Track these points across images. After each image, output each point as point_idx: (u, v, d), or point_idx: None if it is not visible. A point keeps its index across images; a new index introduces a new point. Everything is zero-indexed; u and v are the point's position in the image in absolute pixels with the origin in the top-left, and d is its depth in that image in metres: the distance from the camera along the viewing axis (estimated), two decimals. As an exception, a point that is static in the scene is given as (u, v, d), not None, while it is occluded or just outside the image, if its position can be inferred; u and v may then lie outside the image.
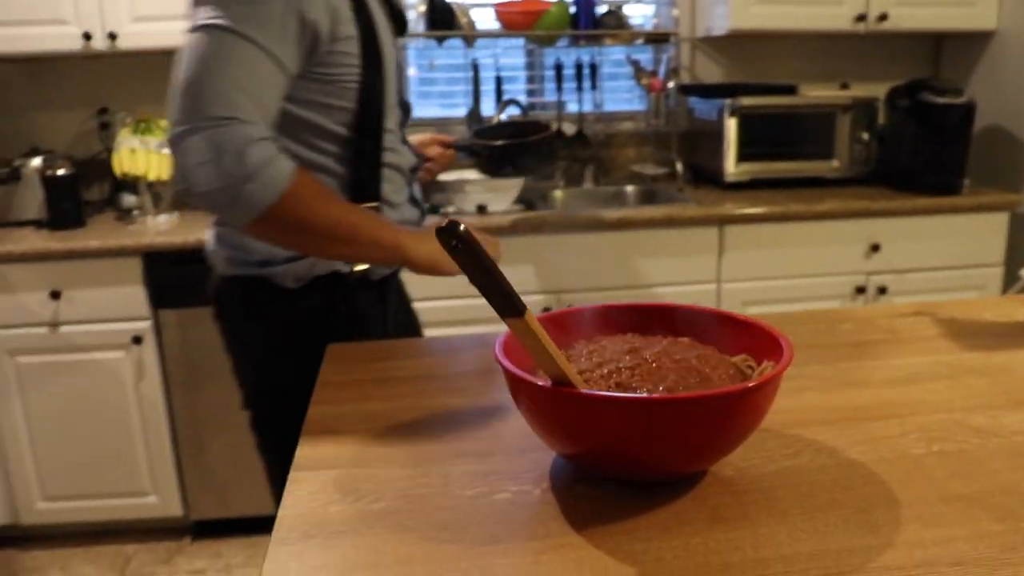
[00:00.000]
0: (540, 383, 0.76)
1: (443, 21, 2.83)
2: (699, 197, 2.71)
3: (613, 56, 3.09)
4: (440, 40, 2.92)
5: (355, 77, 1.25)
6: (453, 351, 1.25)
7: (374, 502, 0.81)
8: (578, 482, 0.82)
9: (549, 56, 3.06)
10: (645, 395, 0.78)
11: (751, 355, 0.88)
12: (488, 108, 3.04)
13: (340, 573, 0.68)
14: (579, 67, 2.99)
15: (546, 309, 2.52)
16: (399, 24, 1.39)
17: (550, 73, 3.09)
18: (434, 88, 3.23)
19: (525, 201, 2.87)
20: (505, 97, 3.03)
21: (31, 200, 2.77)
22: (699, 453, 0.77)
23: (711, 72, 3.11)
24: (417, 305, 1.67)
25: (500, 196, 2.75)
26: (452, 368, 1.18)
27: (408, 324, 1.60)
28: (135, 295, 2.53)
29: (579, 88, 3.02)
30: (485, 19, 3.02)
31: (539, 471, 0.85)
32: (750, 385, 0.74)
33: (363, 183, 1.31)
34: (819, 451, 0.86)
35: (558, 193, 3.02)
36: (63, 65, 2.99)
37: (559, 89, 3.03)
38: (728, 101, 2.64)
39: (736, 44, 3.10)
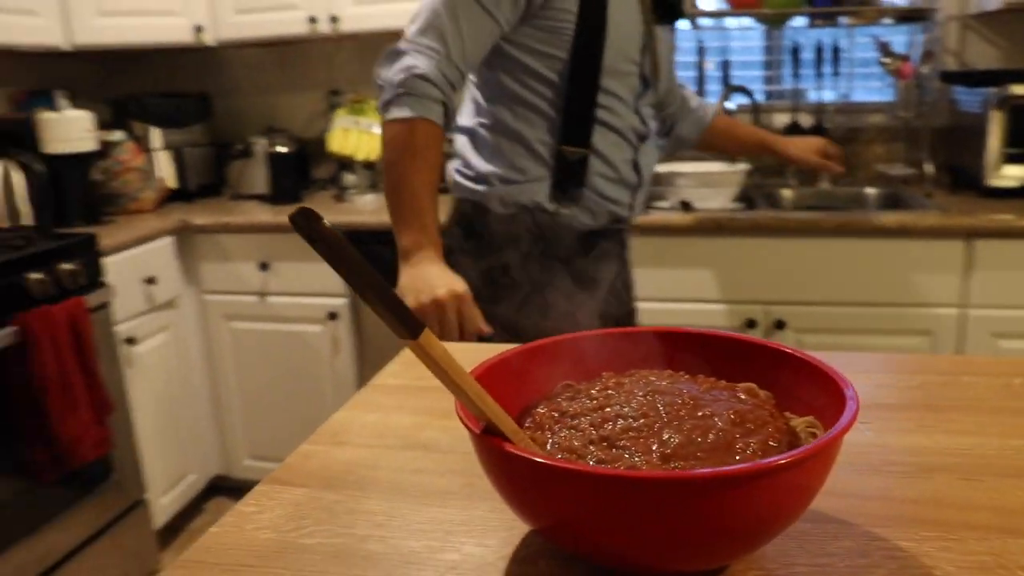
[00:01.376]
0: (471, 424, 0.57)
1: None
2: (951, 204, 2.26)
3: (862, 38, 2.68)
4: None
5: (570, 32, 1.38)
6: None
7: (308, 535, 0.67)
8: (549, 557, 0.62)
9: (789, 38, 2.72)
10: (581, 466, 0.57)
11: (823, 417, 0.63)
12: (713, 96, 2.76)
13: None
14: (819, 50, 2.63)
15: (750, 321, 2.23)
16: (666, 10, 1.51)
17: (789, 58, 2.74)
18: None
19: (746, 199, 2.57)
20: (734, 83, 2.74)
21: (259, 175, 2.92)
22: (683, 549, 0.54)
23: (984, 56, 2.59)
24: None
25: (716, 192, 2.48)
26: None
27: (610, 296, 1.57)
28: (334, 272, 2.57)
29: (819, 75, 2.65)
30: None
31: (513, 534, 0.65)
32: (743, 467, 0.51)
33: (571, 130, 1.43)
34: (906, 567, 0.59)
35: (786, 192, 2.68)
36: (304, 49, 3.13)
37: (795, 76, 2.68)
38: (994, 90, 2.17)
39: (1019, 21, 2.56)
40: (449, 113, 1.34)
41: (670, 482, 0.51)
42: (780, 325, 2.20)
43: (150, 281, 2.46)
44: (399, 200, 1.32)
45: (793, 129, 2.71)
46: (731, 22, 2.79)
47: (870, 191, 2.61)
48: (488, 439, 0.55)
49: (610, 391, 0.68)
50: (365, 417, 0.90)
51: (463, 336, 1.25)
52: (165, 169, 2.91)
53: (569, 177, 1.45)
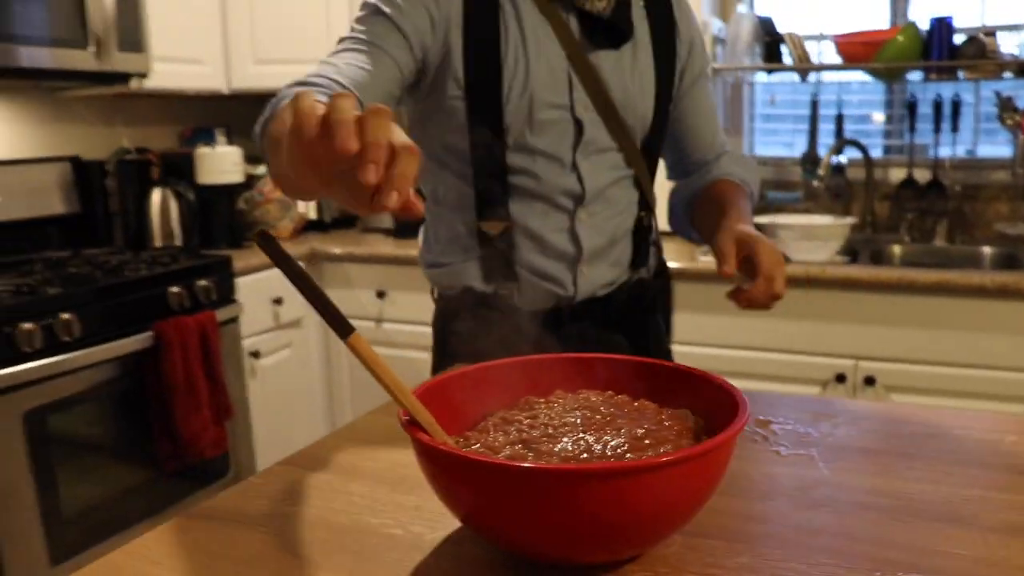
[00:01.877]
0: (403, 415, 0.68)
1: (777, 52, 2.65)
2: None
3: (987, 92, 2.61)
4: (769, 72, 2.73)
5: (459, 97, 1.21)
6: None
7: (291, 506, 0.80)
8: (475, 543, 0.72)
9: (908, 92, 2.68)
10: (461, 452, 0.67)
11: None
12: (824, 149, 2.76)
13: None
14: (938, 105, 2.58)
15: (840, 375, 2.21)
16: (605, 32, 1.24)
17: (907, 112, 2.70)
18: (779, 125, 3.03)
19: (851, 252, 2.55)
20: (847, 137, 2.73)
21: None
22: (565, 538, 0.62)
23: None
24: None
25: (819, 245, 2.48)
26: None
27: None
28: (443, 304, 2.74)
29: (936, 129, 2.60)
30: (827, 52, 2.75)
31: (457, 522, 0.75)
32: (595, 465, 0.59)
33: (485, 204, 1.26)
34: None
35: (897, 249, 2.63)
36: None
37: (911, 130, 2.64)
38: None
39: None
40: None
41: (538, 472, 0.61)
42: (870, 381, 2.17)
43: (277, 302, 2.71)
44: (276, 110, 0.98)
45: (908, 184, 2.67)
46: (850, 75, 2.79)
47: (986, 250, 2.53)
48: (409, 427, 0.66)
49: (555, 404, 0.78)
50: (385, 420, 1.03)
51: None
52: (303, 203, 3.19)
53: (495, 255, 1.29)
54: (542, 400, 0.79)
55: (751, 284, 1.08)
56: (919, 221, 2.68)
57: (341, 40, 1.18)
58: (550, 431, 0.71)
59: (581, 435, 0.70)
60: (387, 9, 1.17)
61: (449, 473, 0.64)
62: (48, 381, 1.94)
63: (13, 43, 2.13)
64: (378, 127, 0.56)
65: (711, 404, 0.73)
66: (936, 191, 2.64)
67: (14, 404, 1.87)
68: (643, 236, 1.35)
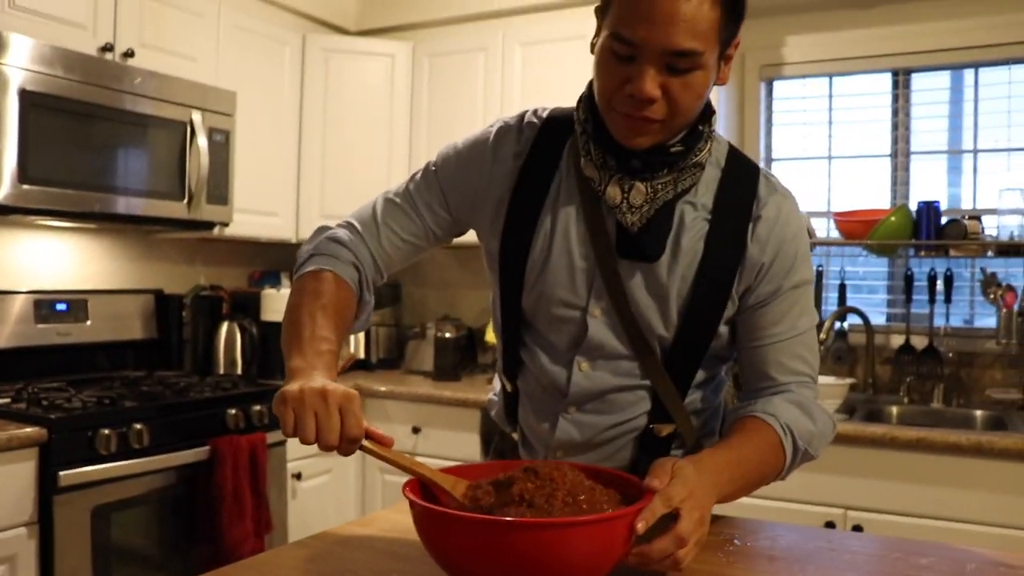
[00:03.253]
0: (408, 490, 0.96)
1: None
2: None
3: (978, 267, 2.85)
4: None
5: (496, 257, 1.31)
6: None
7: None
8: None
9: (912, 265, 2.93)
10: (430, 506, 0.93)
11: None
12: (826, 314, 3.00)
13: None
14: (931, 278, 2.83)
15: (829, 523, 2.36)
16: (638, 249, 1.20)
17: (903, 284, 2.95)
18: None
19: (849, 409, 2.74)
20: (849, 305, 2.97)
21: (427, 355, 3.45)
22: None
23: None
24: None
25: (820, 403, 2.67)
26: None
27: None
28: (471, 441, 2.98)
29: (931, 300, 2.84)
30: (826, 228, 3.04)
31: None
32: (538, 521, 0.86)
33: (506, 360, 1.36)
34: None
35: (894, 409, 2.82)
36: (479, 252, 3.71)
37: (907, 300, 2.88)
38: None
39: None
40: (364, 282, 1.28)
41: (481, 522, 0.87)
42: (858, 529, 2.32)
43: (322, 430, 2.97)
44: (294, 331, 1.17)
45: (906, 350, 2.88)
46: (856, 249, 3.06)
47: (979, 413, 2.70)
48: (409, 489, 0.94)
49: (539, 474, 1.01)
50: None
51: (343, 439, 0.99)
52: (355, 342, 3.52)
53: (510, 405, 1.39)
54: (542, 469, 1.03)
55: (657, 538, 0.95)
56: (918, 384, 2.87)
57: (409, 180, 1.35)
58: (524, 496, 0.96)
59: (542, 500, 0.95)
60: (440, 172, 1.32)
61: (425, 525, 0.91)
62: (116, 482, 2.22)
63: (114, 193, 2.54)
64: (329, 432, 0.98)
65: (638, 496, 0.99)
66: (932, 357, 2.84)
67: (87, 499, 2.15)
68: (654, 447, 1.28)
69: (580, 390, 1.26)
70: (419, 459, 1.05)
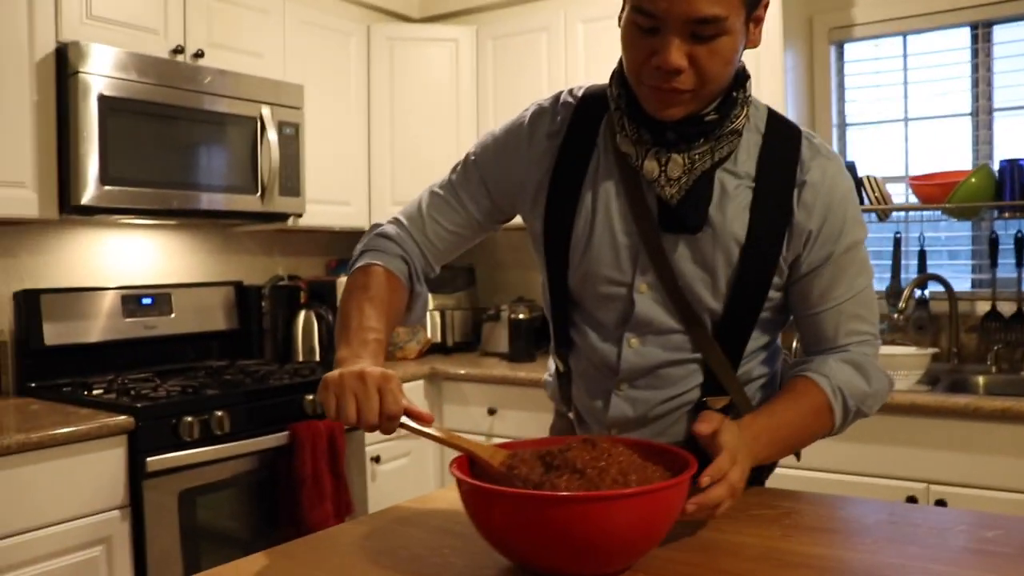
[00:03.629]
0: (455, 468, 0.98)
1: (859, 194, 2.85)
2: None
3: (1068, 231, 2.71)
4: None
5: (540, 239, 1.31)
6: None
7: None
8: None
9: (997, 228, 2.81)
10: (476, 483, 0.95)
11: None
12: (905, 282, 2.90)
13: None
14: (1018, 241, 2.70)
15: (911, 498, 2.30)
16: (679, 221, 1.20)
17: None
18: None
19: (932, 380, 2.65)
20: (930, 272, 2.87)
21: (502, 336, 3.47)
22: (556, 554, 0.90)
23: None
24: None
25: (900, 375, 2.60)
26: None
27: None
28: (546, 421, 2.99)
29: (1018, 264, 2.71)
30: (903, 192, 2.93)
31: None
32: (579, 494, 0.88)
33: (557, 341, 1.37)
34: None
35: (981, 379, 2.71)
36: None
37: (993, 265, 2.76)
38: None
39: None
40: (413, 274, 1.32)
41: (531, 497, 0.89)
42: (941, 504, 2.25)
43: (399, 413, 3.03)
44: (343, 324, 1.23)
45: (993, 317, 2.76)
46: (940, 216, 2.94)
47: (1073, 382, 2.58)
48: (456, 466, 0.96)
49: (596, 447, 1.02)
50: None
51: (382, 417, 1.03)
52: (431, 326, 3.57)
53: (564, 385, 1.40)
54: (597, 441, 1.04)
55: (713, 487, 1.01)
56: (1007, 352, 2.75)
57: (451, 172, 1.38)
58: (579, 463, 0.97)
59: (591, 473, 0.96)
60: (479, 160, 1.34)
61: (472, 500, 0.94)
62: (200, 467, 2.31)
63: (190, 190, 2.64)
64: (369, 411, 1.02)
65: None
66: (1021, 323, 2.72)
67: (173, 484, 2.25)
68: None
69: (631, 366, 1.26)
70: (495, 440, 1.08)
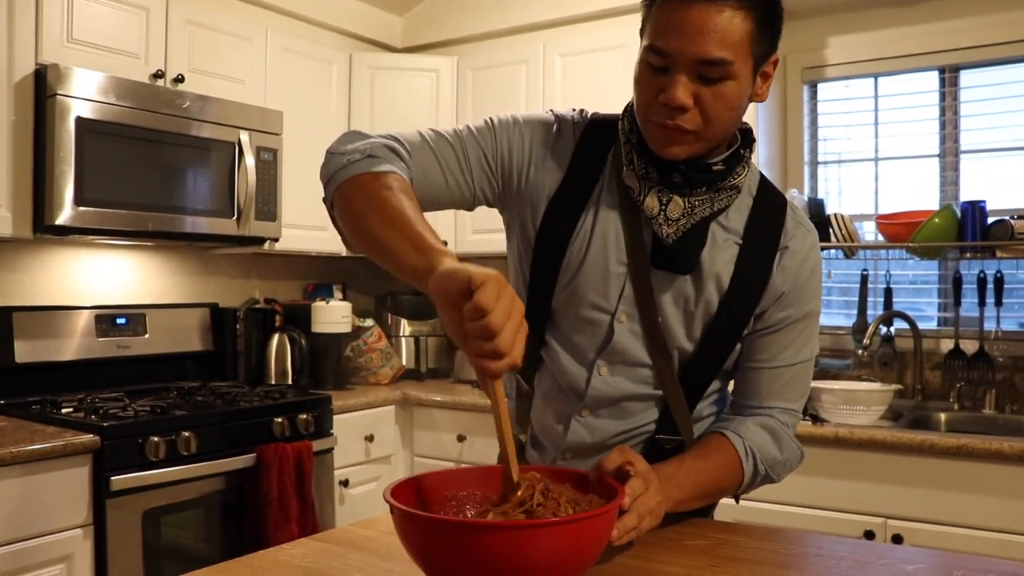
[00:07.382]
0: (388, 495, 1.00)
1: (826, 232, 2.89)
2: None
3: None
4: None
5: (530, 246, 1.29)
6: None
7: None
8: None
9: (962, 268, 2.86)
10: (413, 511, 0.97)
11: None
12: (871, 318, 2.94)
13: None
14: (981, 280, 2.75)
15: (869, 532, 2.32)
16: (670, 261, 1.23)
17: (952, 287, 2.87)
18: (838, 298, 3.23)
19: (896, 416, 2.69)
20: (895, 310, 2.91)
21: (475, 362, 3.50)
22: None
23: None
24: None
25: (862, 410, 2.63)
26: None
27: None
28: (515, 447, 3.01)
29: (981, 303, 2.76)
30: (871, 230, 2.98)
31: None
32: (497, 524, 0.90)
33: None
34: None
35: (943, 416, 2.75)
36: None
37: (956, 304, 2.81)
38: None
39: None
40: None
41: (455, 524, 0.91)
42: (898, 539, 2.27)
43: (369, 438, 3.05)
44: (398, 217, 1.08)
45: (956, 355, 2.81)
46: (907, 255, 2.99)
47: (1031, 420, 2.62)
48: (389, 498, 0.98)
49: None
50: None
51: (515, 352, 0.90)
52: (405, 352, 3.59)
53: (523, 406, 1.39)
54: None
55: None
56: (969, 390, 2.80)
57: (456, 127, 1.29)
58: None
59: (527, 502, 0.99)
60: (498, 129, 1.28)
61: (402, 525, 0.96)
62: (166, 487, 2.33)
63: (166, 212, 2.67)
64: (515, 331, 0.89)
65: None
66: (983, 362, 2.76)
67: (138, 503, 2.26)
68: (659, 455, 1.29)
69: (598, 394, 1.29)
70: (464, 466, 1.10)
